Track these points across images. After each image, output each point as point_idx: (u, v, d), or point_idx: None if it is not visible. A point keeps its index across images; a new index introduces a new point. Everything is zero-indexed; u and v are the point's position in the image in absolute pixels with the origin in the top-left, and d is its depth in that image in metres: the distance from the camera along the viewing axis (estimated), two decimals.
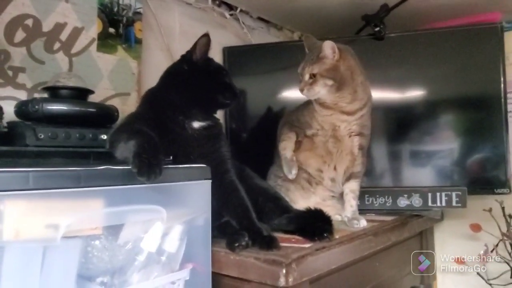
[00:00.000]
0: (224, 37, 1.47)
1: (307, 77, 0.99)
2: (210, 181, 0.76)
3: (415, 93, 1.37)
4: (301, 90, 1.00)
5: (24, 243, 0.54)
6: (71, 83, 0.92)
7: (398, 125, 1.39)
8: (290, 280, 0.66)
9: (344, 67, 0.99)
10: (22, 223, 0.54)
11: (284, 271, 0.66)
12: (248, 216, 0.78)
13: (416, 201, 1.19)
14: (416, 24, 1.44)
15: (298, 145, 1.06)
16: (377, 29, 1.27)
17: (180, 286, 0.73)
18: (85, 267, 0.64)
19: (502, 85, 1.25)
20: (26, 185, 0.53)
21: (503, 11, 1.32)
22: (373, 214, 1.16)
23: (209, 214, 0.76)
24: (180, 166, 0.75)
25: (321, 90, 0.98)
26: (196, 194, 0.76)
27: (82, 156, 0.80)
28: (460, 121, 1.36)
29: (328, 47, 0.97)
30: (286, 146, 1.05)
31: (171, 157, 0.81)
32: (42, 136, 0.78)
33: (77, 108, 0.87)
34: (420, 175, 1.36)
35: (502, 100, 1.25)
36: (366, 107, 1.03)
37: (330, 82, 0.97)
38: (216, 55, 1.43)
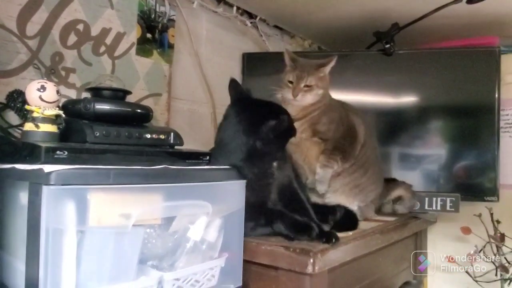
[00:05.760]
0: (243, 43, 1.57)
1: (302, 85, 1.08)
2: (245, 181, 0.87)
3: (417, 105, 1.50)
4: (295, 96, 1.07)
5: (103, 229, 0.64)
6: (114, 84, 1.01)
7: (397, 130, 1.53)
8: (316, 268, 0.77)
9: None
10: (102, 211, 0.64)
11: (311, 260, 0.77)
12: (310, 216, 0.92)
13: None
14: (422, 41, 1.56)
15: None
16: (387, 46, 1.39)
17: (216, 271, 0.83)
18: (140, 251, 0.75)
19: (496, 103, 1.39)
20: (108, 180, 0.63)
21: (501, 35, 1.45)
22: (376, 214, 1.29)
23: (243, 209, 0.87)
24: (221, 167, 0.85)
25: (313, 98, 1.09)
26: (233, 192, 0.87)
27: (134, 154, 0.88)
28: (457, 133, 1.49)
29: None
30: None
31: (207, 157, 0.92)
32: (98, 134, 0.86)
33: (123, 108, 0.96)
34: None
35: (496, 116, 1.39)
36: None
37: (320, 92, 1.09)
38: (236, 59, 1.54)
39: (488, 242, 1.30)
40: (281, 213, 0.89)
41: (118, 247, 0.67)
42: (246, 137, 0.87)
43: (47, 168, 0.58)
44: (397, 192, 1.30)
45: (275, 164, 0.91)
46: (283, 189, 0.93)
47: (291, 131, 0.93)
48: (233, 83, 0.95)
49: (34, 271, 0.56)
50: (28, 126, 0.75)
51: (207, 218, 0.80)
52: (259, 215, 0.88)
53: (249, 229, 0.88)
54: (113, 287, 0.63)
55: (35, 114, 0.75)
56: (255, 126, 0.86)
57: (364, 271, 1.08)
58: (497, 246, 1.28)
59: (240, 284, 0.85)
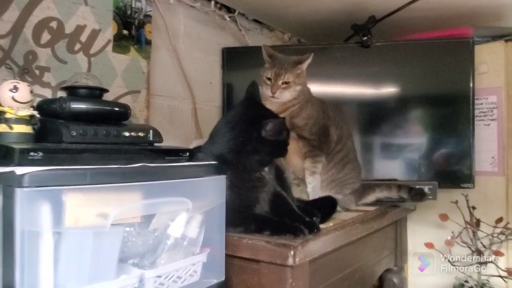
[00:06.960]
0: (222, 37, 1.57)
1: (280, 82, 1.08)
2: (225, 176, 0.88)
3: (395, 95, 1.53)
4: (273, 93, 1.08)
5: (81, 229, 0.64)
6: (90, 82, 1.00)
7: (377, 121, 1.55)
8: (296, 260, 0.79)
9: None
10: (79, 212, 0.63)
11: (292, 252, 0.79)
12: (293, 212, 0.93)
13: None
14: (398, 33, 1.59)
15: None
16: (365, 38, 1.41)
17: (198, 267, 0.84)
18: (120, 250, 0.75)
19: (471, 92, 1.43)
20: (84, 180, 0.63)
21: (475, 26, 1.48)
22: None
23: (223, 204, 0.88)
24: (201, 163, 0.86)
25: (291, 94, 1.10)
26: (213, 187, 0.87)
27: (113, 152, 0.87)
28: (435, 122, 1.53)
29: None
30: None
31: (187, 154, 0.92)
32: (75, 134, 0.85)
33: (100, 107, 0.95)
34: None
35: (471, 105, 1.43)
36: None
37: (298, 88, 1.10)
38: (215, 54, 1.53)
39: (464, 228, 1.34)
40: (269, 219, 0.90)
41: (97, 247, 0.67)
42: (243, 128, 0.89)
43: (20, 170, 0.57)
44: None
45: (266, 169, 0.92)
46: (270, 197, 0.94)
47: (284, 147, 0.93)
48: (253, 84, 0.97)
49: (10, 275, 0.55)
50: (1, 128, 0.74)
51: (187, 214, 0.80)
52: (246, 220, 0.89)
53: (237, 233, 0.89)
54: (93, 287, 0.63)
55: (8, 115, 0.74)
56: (255, 122, 0.88)
57: (346, 260, 1.10)
58: (473, 232, 1.33)
59: (223, 278, 0.85)
